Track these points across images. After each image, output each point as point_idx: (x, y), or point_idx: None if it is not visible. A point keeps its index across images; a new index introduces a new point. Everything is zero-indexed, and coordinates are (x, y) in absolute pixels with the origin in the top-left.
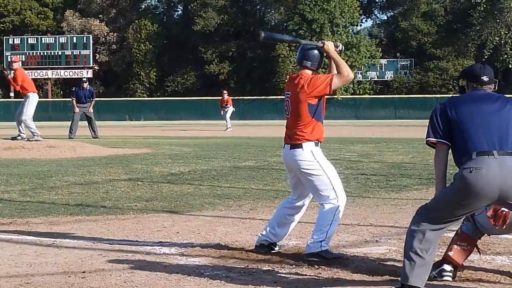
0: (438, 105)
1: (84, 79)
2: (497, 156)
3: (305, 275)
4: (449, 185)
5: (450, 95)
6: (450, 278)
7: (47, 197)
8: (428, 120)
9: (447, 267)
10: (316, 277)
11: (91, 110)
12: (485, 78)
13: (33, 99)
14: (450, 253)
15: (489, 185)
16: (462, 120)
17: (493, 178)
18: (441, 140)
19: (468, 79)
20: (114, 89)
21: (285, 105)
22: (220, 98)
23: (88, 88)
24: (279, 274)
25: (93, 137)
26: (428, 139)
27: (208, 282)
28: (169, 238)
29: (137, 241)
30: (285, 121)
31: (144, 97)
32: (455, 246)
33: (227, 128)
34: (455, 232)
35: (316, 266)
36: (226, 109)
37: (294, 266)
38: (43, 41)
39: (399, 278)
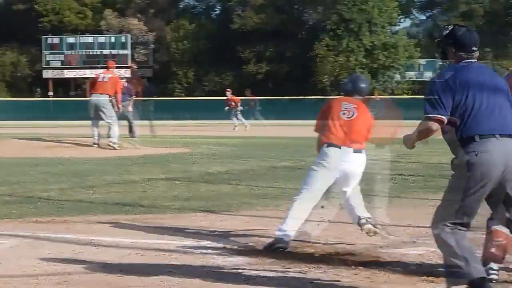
0: (441, 82)
1: (123, 77)
2: (499, 138)
3: (342, 275)
4: (454, 180)
5: None
6: (496, 277)
7: (85, 196)
8: (428, 94)
9: (493, 265)
10: (352, 277)
11: (130, 109)
12: (474, 48)
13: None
14: (492, 250)
15: (495, 166)
16: (468, 101)
17: (497, 159)
18: (446, 118)
19: (456, 48)
20: (152, 89)
21: None
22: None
23: (126, 86)
24: (315, 275)
25: (131, 137)
26: (435, 115)
27: (244, 281)
28: (206, 238)
29: (174, 240)
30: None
31: (182, 96)
32: (493, 243)
33: (245, 127)
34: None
35: (353, 266)
36: (236, 110)
37: (331, 266)
38: (81, 41)
39: (434, 279)
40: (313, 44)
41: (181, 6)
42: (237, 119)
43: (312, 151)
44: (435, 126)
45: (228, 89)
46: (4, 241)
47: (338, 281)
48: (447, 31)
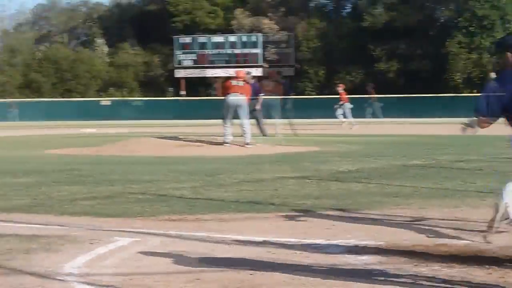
0: (497, 86)
1: (249, 71)
2: None
3: (475, 274)
4: None
5: None
6: None
7: (217, 194)
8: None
9: None
10: (486, 277)
11: (258, 107)
12: None
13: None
14: None
15: None
16: None
17: None
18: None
19: None
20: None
21: None
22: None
23: (253, 83)
24: (448, 274)
25: (262, 135)
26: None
27: (376, 280)
28: (337, 236)
29: (305, 238)
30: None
31: (312, 95)
32: None
33: (352, 126)
34: None
35: (486, 266)
36: (341, 106)
37: (464, 265)
38: (213, 40)
39: None
40: (445, 41)
41: (312, 4)
42: (336, 116)
43: (444, 149)
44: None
45: (340, 84)
46: (137, 239)
47: (471, 281)
48: (501, 41)
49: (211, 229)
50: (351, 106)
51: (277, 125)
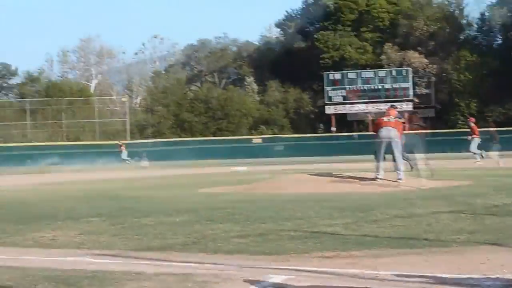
0: None
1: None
2: None
3: None
4: None
5: None
6: None
7: (369, 230)
8: None
9: None
10: None
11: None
12: None
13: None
14: None
15: None
16: None
17: None
18: None
19: None
20: (434, 121)
21: None
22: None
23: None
24: None
25: (413, 170)
26: None
27: None
28: (493, 271)
29: (460, 274)
30: None
31: (465, 128)
32: None
33: (477, 161)
34: None
35: None
36: (472, 139)
37: None
38: (362, 75)
39: None
40: None
41: (461, 37)
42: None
43: None
44: None
45: (470, 118)
46: (291, 276)
47: None
48: None
49: (364, 265)
50: (480, 141)
51: (418, 159)
